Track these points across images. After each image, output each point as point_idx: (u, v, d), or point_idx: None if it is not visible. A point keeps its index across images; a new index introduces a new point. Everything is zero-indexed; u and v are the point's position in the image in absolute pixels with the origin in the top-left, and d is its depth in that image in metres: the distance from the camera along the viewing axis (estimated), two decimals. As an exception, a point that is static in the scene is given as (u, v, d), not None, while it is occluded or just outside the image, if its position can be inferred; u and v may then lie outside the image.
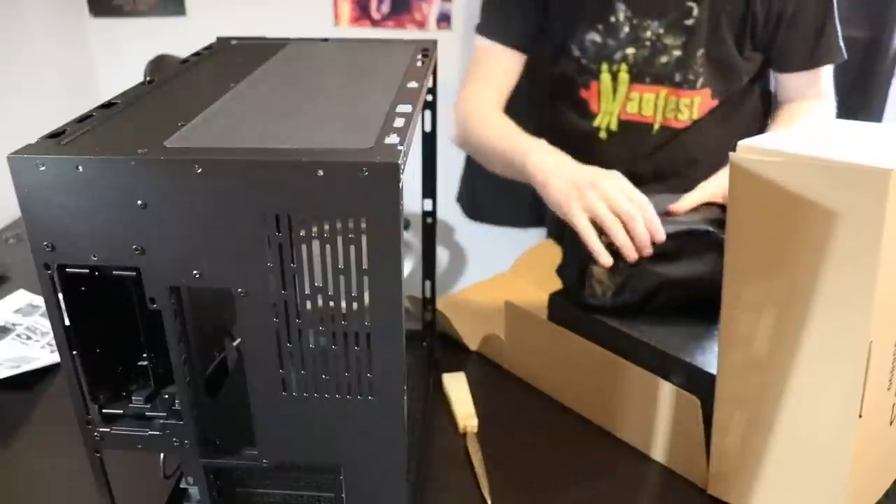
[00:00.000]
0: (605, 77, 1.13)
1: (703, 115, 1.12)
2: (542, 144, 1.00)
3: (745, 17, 1.04)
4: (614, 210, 0.87)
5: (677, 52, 1.07)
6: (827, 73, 1.11)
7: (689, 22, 1.05)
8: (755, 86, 1.15)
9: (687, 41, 1.06)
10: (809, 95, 1.12)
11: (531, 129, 1.08)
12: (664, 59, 1.08)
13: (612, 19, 1.09)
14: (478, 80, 1.18)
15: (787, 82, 1.13)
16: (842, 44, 1.06)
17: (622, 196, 0.87)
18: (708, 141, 1.15)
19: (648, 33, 1.08)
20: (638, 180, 0.93)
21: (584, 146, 1.19)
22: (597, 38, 1.10)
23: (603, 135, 1.17)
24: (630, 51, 1.10)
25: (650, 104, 1.13)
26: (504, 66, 1.17)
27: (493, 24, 1.17)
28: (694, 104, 1.11)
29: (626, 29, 1.09)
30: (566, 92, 1.19)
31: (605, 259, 0.86)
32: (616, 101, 1.14)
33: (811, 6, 1.04)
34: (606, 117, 1.16)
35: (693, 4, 1.05)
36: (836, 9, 1.05)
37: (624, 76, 1.12)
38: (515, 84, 1.18)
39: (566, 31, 1.13)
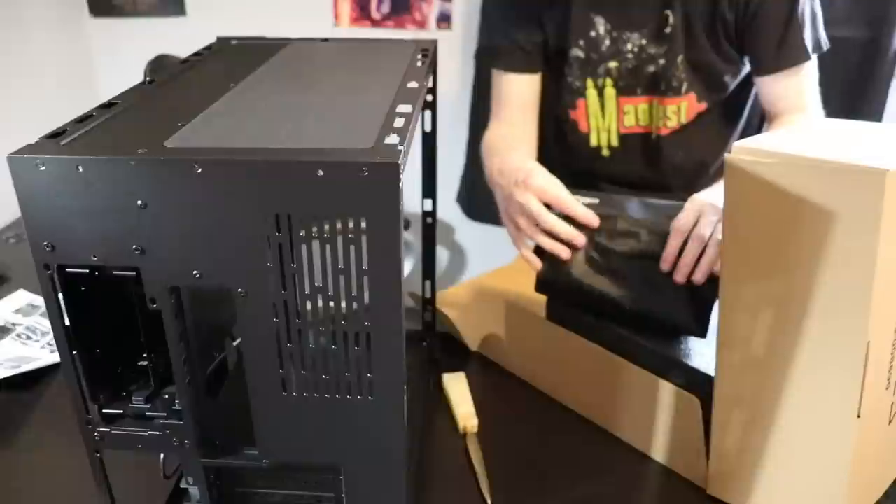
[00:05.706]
0: (592, 93, 1.13)
1: (692, 119, 1.11)
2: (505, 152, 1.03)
3: (714, 18, 1.04)
4: (530, 215, 0.89)
5: (661, 61, 1.08)
6: (809, 83, 1.07)
7: (668, 30, 1.06)
8: (749, 90, 1.15)
9: (668, 49, 1.07)
10: (790, 108, 1.08)
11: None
12: (651, 68, 1.09)
13: (593, 34, 1.10)
14: (497, 117, 1.19)
15: (766, 89, 1.10)
16: (808, 44, 1.03)
17: (532, 201, 0.89)
18: (711, 144, 1.14)
19: (630, 45, 1.09)
20: (649, 189, 0.92)
21: (587, 166, 1.19)
22: (580, 53, 1.11)
23: (606, 152, 1.17)
24: (612, 64, 1.10)
25: (646, 114, 1.13)
26: (519, 93, 1.17)
27: (496, 51, 1.16)
28: (681, 109, 1.11)
29: (607, 42, 1.09)
30: (554, 115, 1.18)
31: (535, 264, 0.90)
32: (606, 117, 1.14)
33: (773, 5, 1.02)
34: (604, 135, 1.16)
35: (669, 13, 1.05)
36: (802, 9, 1.02)
37: (610, 91, 1.12)
38: (539, 102, 1.18)
39: (559, 49, 1.13)
